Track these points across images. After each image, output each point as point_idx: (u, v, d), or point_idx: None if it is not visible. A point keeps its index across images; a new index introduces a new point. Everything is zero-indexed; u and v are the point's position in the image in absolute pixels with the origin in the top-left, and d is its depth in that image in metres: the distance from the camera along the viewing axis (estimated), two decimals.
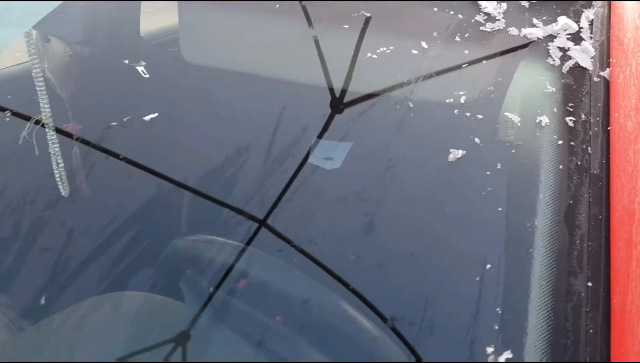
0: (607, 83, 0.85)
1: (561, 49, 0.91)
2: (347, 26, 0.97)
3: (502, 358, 0.62)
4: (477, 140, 0.80)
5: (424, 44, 0.94)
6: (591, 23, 0.95)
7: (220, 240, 0.73)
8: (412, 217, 0.75)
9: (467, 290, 0.68)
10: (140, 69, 0.94)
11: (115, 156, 0.81)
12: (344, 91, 0.89)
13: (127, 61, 0.95)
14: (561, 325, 0.63)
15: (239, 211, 0.74)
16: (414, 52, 0.92)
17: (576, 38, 0.93)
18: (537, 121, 0.81)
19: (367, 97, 0.88)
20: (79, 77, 1.02)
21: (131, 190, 0.81)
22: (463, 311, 0.66)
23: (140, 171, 0.80)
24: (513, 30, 0.95)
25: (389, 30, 0.98)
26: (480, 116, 0.83)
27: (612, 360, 0.60)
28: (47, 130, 0.84)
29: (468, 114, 0.83)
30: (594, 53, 0.90)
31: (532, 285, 0.66)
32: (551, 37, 0.93)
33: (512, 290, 0.66)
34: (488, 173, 0.76)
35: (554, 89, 0.85)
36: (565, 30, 0.94)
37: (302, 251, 0.70)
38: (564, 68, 0.88)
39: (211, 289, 0.68)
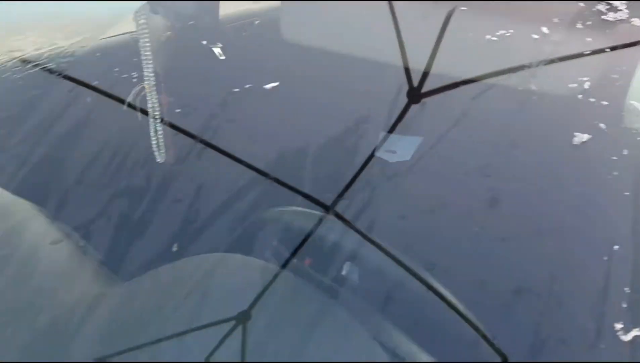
0: None
1: None
2: (464, 8, 0.98)
3: (629, 336, 0.63)
4: (602, 125, 0.81)
5: (544, 30, 0.94)
6: None
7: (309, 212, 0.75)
8: (537, 195, 0.77)
9: (594, 268, 0.69)
10: (217, 50, 0.97)
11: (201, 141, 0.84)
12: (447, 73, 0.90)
13: (205, 42, 0.98)
14: None
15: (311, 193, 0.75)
16: (535, 36, 0.93)
17: None
18: None
19: (493, 74, 0.90)
20: (170, 52, 1.07)
21: (219, 164, 0.83)
22: (591, 289, 0.67)
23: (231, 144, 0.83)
24: (636, 21, 0.95)
25: (509, 14, 0.99)
26: (605, 103, 0.83)
27: None
28: (148, 98, 0.87)
29: (592, 100, 0.84)
30: None
31: None
32: None
33: None
34: (614, 158, 0.77)
35: None
36: None
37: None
38: None
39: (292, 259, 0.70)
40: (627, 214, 0.72)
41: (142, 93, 0.87)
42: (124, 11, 1.10)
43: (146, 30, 0.99)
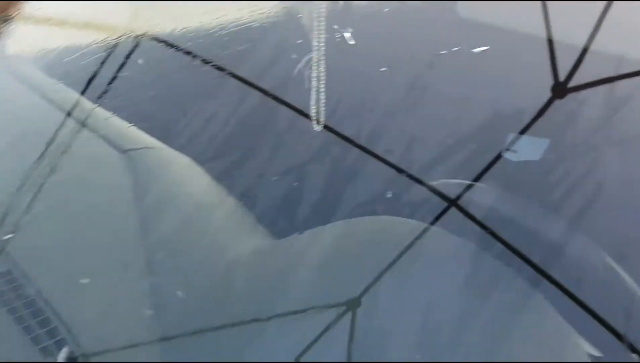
0: None
1: None
2: None
3: None
4: None
5: None
6: None
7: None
8: None
9: None
10: (347, 35, 0.98)
11: None
12: None
13: (336, 27, 0.97)
14: None
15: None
16: None
17: None
18: None
19: None
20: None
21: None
22: None
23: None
24: None
25: None
26: None
27: None
28: (313, 68, 0.87)
29: None
30: None
31: None
32: None
33: None
34: None
35: None
36: None
37: None
38: None
39: None
40: None
41: (310, 63, 0.87)
42: None
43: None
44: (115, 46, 1.13)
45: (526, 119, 0.79)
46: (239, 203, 0.81)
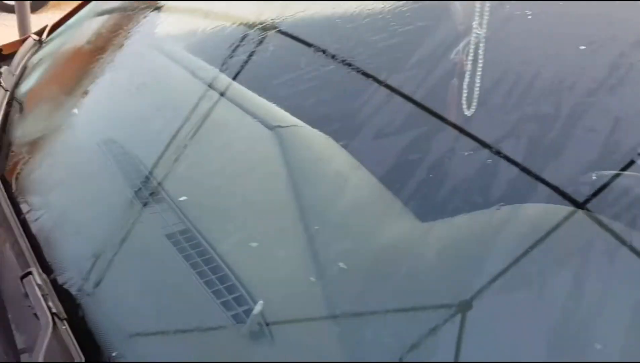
0: None
1: None
2: None
3: None
4: None
5: None
6: None
7: None
8: None
9: None
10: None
11: None
12: None
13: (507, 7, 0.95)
14: None
15: None
16: None
17: None
18: None
19: None
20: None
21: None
22: None
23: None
24: None
25: None
26: None
27: None
28: (471, 52, 0.85)
29: None
30: None
31: None
32: None
33: None
34: None
35: None
36: None
37: None
38: None
39: None
40: None
41: (467, 47, 0.86)
42: None
43: None
44: (247, 30, 1.18)
45: None
46: (383, 183, 0.82)
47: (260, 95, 1.01)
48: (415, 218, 0.77)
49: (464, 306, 0.64)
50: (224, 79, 1.05)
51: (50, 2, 5.40)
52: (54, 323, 0.62)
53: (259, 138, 0.98)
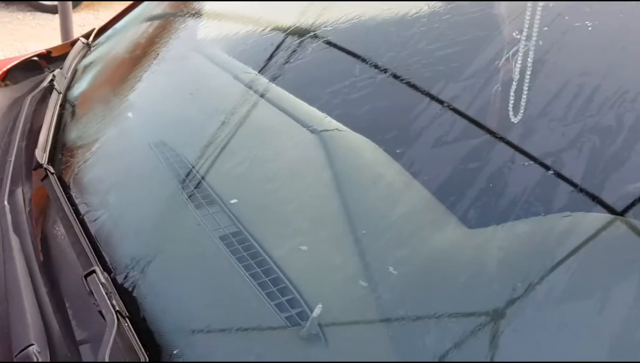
0: None
1: None
2: None
3: None
4: None
5: None
6: None
7: None
8: None
9: None
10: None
11: None
12: None
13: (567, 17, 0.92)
14: None
15: None
16: None
17: None
18: None
19: None
20: None
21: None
22: None
23: None
24: None
25: None
26: None
27: None
28: (519, 61, 0.84)
29: None
30: None
31: None
32: None
33: None
34: None
35: None
36: None
37: None
38: None
39: None
40: None
41: (516, 54, 0.85)
42: None
43: None
44: (286, 37, 1.20)
45: None
46: (437, 192, 0.83)
47: (313, 102, 1.02)
48: (464, 225, 0.77)
49: (514, 313, 0.65)
50: (274, 85, 1.07)
51: (84, 2, 5.52)
52: (118, 320, 0.64)
53: (307, 143, 0.99)
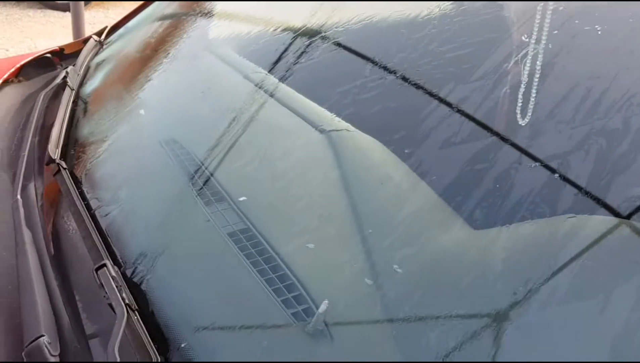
0: None
1: None
2: None
3: None
4: None
5: None
6: None
7: None
8: None
9: None
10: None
11: None
12: None
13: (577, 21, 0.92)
14: None
15: None
16: None
17: None
18: None
19: None
20: None
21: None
22: None
23: None
24: None
25: None
26: None
27: None
28: (527, 64, 0.85)
29: None
30: None
31: None
32: None
33: None
34: None
35: None
36: None
37: None
38: None
39: None
40: None
41: (525, 57, 0.85)
42: None
43: None
44: (296, 37, 1.21)
45: None
46: (444, 192, 0.83)
47: (322, 102, 1.04)
48: (470, 226, 0.78)
49: (518, 314, 0.65)
50: (283, 85, 1.08)
51: (94, 1, 5.56)
52: (128, 314, 0.66)
53: (317, 142, 1.00)
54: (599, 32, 0.85)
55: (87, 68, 1.35)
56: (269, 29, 1.32)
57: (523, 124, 0.83)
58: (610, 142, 0.73)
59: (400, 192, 0.89)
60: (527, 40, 0.88)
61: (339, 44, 1.14)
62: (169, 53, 1.35)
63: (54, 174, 0.97)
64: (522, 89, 0.85)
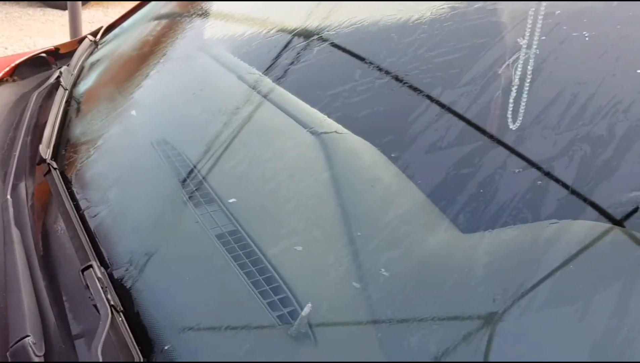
0: None
1: None
2: None
3: None
4: None
5: None
6: None
7: None
8: None
9: None
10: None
11: None
12: None
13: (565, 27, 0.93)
14: None
15: None
16: None
17: None
18: None
19: None
20: None
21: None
22: None
23: None
24: None
25: None
26: None
27: None
28: (519, 69, 0.85)
29: None
30: None
31: None
32: None
33: None
34: None
35: None
36: None
37: None
38: None
39: None
40: None
41: (516, 62, 0.86)
42: None
43: None
44: (292, 38, 1.21)
45: None
46: (434, 192, 0.84)
47: (313, 104, 1.04)
48: (457, 229, 0.78)
49: (500, 318, 0.66)
50: (276, 86, 1.09)
51: (92, 1, 5.56)
52: (112, 315, 0.66)
53: (307, 144, 1.00)
54: (587, 38, 0.86)
55: (81, 68, 1.35)
56: (263, 31, 1.32)
57: (514, 129, 0.83)
58: (595, 148, 0.73)
59: (390, 195, 0.90)
60: (519, 44, 0.88)
61: (331, 47, 1.14)
62: (163, 53, 1.36)
63: (45, 174, 0.97)
64: (513, 94, 0.86)
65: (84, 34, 2.11)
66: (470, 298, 0.69)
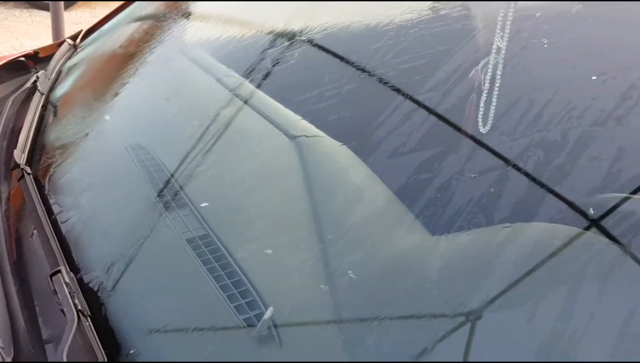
0: None
1: None
2: None
3: None
4: None
5: None
6: None
7: None
8: None
9: None
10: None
11: None
12: None
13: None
14: None
15: None
16: None
17: None
18: None
19: None
20: None
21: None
22: None
23: None
24: None
25: None
26: None
27: None
28: (490, 71, 0.86)
29: None
30: None
31: None
32: None
33: None
34: None
35: None
36: None
37: None
38: None
39: None
40: None
41: (486, 66, 0.87)
42: None
43: None
44: (273, 41, 1.22)
45: None
46: (396, 196, 0.85)
47: (286, 106, 1.05)
48: (425, 232, 0.80)
49: (466, 318, 0.67)
50: (249, 88, 1.10)
51: (79, 2, 5.54)
52: (79, 319, 0.67)
53: (280, 147, 1.02)
54: (545, 46, 0.87)
55: (59, 72, 1.35)
56: (243, 33, 1.33)
57: (484, 132, 0.85)
58: (549, 153, 0.75)
59: (361, 198, 0.91)
60: (489, 48, 0.90)
61: (309, 50, 1.15)
62: (141, 57, 1.36)
63: (18, 180, 0.98)
64: (483, 98, 0.88)
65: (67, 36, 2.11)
66: (435, 299, 0.71)
